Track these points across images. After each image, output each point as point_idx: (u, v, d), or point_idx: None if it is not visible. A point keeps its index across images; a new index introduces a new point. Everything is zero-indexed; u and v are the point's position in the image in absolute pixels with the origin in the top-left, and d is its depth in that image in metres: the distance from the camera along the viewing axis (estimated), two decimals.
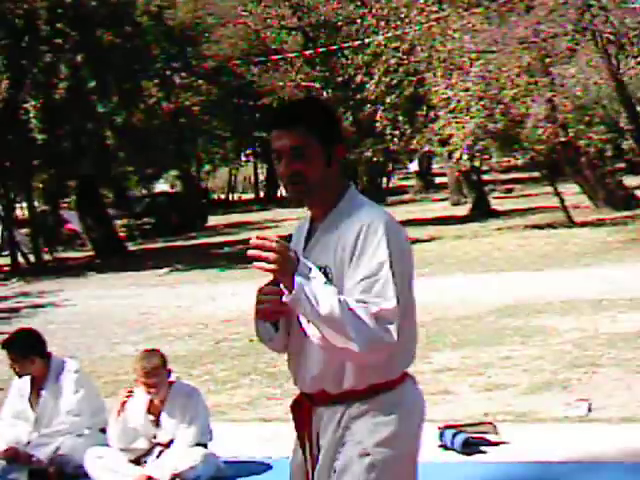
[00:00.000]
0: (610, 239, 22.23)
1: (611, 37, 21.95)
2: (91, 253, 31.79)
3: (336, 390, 3.62)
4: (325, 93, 38.86)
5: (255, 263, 3.36)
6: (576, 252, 20.82)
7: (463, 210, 37.21)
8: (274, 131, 3.69)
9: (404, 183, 64.35)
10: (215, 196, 64.52)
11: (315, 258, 3.58)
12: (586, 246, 21.56)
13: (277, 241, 3.36)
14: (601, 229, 24.41)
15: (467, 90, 24.55)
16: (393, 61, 29.32)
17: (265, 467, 7.20)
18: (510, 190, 46.62)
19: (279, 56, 38.11)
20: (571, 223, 26.19)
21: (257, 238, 3.35)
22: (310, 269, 3.43)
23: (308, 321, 3.43)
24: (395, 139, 32.04)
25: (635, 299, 13.87)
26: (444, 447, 7.20)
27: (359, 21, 30.83)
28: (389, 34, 29.20)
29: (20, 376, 7.50)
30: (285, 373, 10.86)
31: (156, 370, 6.86)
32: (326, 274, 3.51)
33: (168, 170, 49.27)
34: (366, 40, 31.23)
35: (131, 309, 17.95)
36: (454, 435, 7.13)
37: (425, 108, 30.83)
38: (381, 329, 3.39)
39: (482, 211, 34.41)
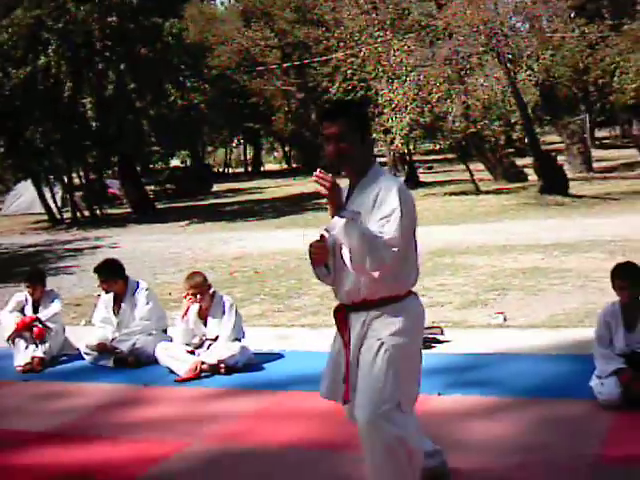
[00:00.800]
0: (507, 203, 22.27)
1: (509, 56, 22.03)
2: (129, 210, 31.62)
3: (358, 299, 3.86)
4: (299, 95, 38.75)
5: (317, 187, 3.64)
6: (484, 212, 20.91)
7: None
8: (324, 122, 3.88)
9: None
10: (215, 169, 63.87)
11: (352, 208, 3.76)
12: (491, 208, 21.63)
13: (334, 180, 3.61)
14: (500, 196, 24.40)
15: (404, 94, 24.57)
16: (349, 72, 29.27)
17: (280, 357, 7.34)
18: (431, 167, 46.63)
19: (263, 67, 37.88)
20: (478, 191, 26.20)
21: (320, 172, 3.63)
22: (351, 211, 3.68)
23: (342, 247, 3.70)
24: None
25: (529, 245, 14.08)
26: None
27: (325, 42, 30.63)
28: (347, 52, 29.15)
29: (107, 292, 7.65)
30: (285, 294, 11.14)
31: (200, 284, 7.01)
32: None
33: (182, 150, 49.01)
34: (330, 56, 31.14)
35: (164, 250, 17.88)
36: None
37: (372, 106, 30.87)
38: (387, 252, 3.64)
39: (413, 182, 34.36)
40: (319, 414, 5.62)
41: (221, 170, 65.54)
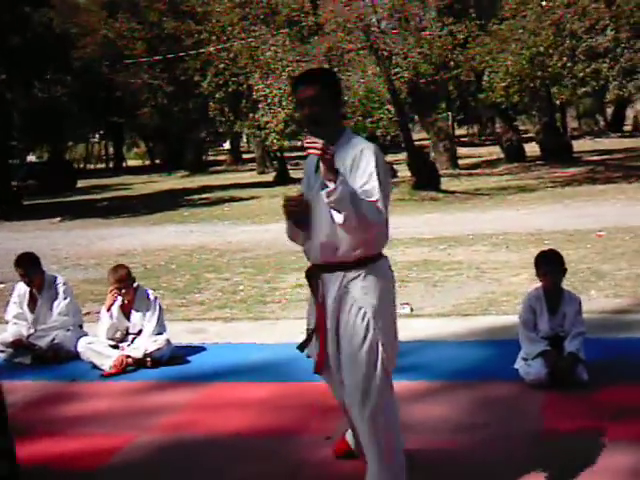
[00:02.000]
0: None
1: (385, 53, 22.55)
2: None
3: (333, 259, 3.95)
4: (168, 89, 38.36)
5: (310, 149, 3.69)
6: None
7: (268, 177, 37.49)
8: (300, 86, 4.00)
9: (218, 158, 63.99)
10: (75, 165, 62.42)
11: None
12: None
13: (325, 143, 3.67)
14: None
15: (280, 89, 24.79)
16: (221, 66, 29.20)
17: (202, 349, 7.36)
18: (298, 164, 47.10)
19: (131, 60, 37.27)
20: None
21: (308, 138, 3.72)
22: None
23: (334, 207, 3.73)
24: (222, 124, 32.04)
25: (413, 238, 14.52)
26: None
27: (196, 35, 30.46)
28: (219, 46, 29.10)
29: (29, 285, 7.46)
30: (184, 289, 11.15)
31: (124, 278, 6.97)
32: None
33: (42, 144, 47.68)
34: (201, 49, 31.01)
35: (43, 247, 17.19)
36: None
37: (245, 101, 30.98)
38: (379, 215, 3.80)
39: (284, 178, 34.80)
40: (258, 403, 5.77)
41: (82, 166, 64.11)
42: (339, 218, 3.74)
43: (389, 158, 33.22)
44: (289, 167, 38.50)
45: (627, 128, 54.53)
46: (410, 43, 21.81)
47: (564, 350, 5.76)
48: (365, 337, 3.92)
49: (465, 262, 11.65)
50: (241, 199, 27.32)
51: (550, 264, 5.89)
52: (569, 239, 12.91)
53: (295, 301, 9.62)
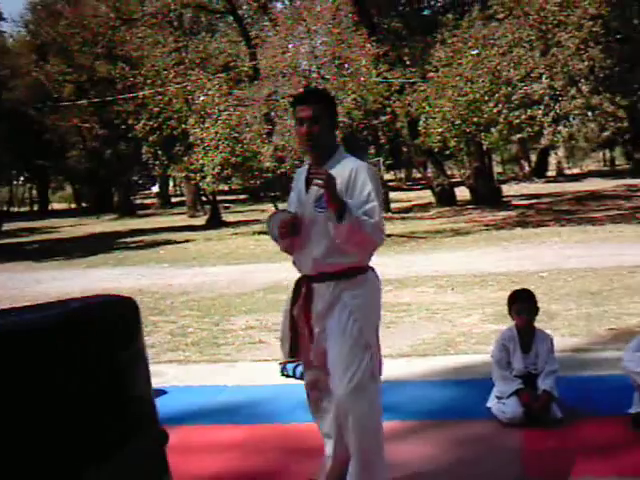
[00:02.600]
0: None
1: None
2: None
3: (326, 270, 4.13)
4: (100, 132, 38.00)
5: (316, 181, 3.92)
6: None
7: (200, 221, 37.26)
8: (299, 105, 4.14)
9: (146, 201, 63.48)
10: None
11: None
12: None
13: (329, 174, 3.89)
14: None
15: (217, 133, 24.81)
16: (156, 109, 29.16)
17: (164, 392, 7.13)
18: (228, 207, 47.07)
19: (64, 102, 36.88)
20: None
21: (314, 168, 4.00)
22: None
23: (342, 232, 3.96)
24: (156, 167, 31.84)
25: None
26: (286, 376, 7.46)
27: (131, 79, 30.29)
28: (153, 89, 29.05)
29: None
30: None
31: None
32: None
33: None
34: (134, 93, 30.86)
35: None
36: (295, 367, 7.41)
37: (180, 145, 30.86)
38: (379, 235, 4.05)
39: (216, 221, 34.64)
40: (234, 446, 5.65)
41: (5, 209, 62.88)
42: (343, 238, 3.97)
43: None
44: (221, 211, 38.40)
45: (550, 173, 55.91)
46: (350, 89, 22.03)
47: (538, 388, 5.79)
48: (356, 338, 4.10)
49: (413, 303, 11.70)
50: (176, 242, 27.09)
51: (524, 303, 5.94)
52: (513, 281, 13.08)
53: (248, 343, 9.54)
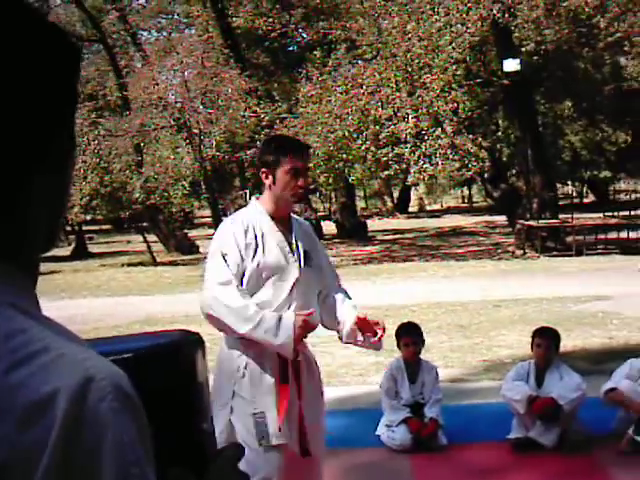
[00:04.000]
0: (191, 274, 22.60)
1: (197, 131, 22.88)
2: None
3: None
4: None
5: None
6: (171, 282, 21.24)
7: (64, 251, 36.43)
8: (296, 155, 4.01)
9: None
10: None
11: (304, 244, 4.09)
12: (177, 278, 22.05)
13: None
14: (179, 267, 25.00)
15: (85, 162, 24.49)
16: None
17: None
18: (91, 238, 46.23)
19: None
20: (155, 263, 26.62)
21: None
22: None
23: None
24: None
25: None
26: None
27: None
28: None
29: None
30: None
31: None
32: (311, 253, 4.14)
33: None
34: None
35: None
36: None
37: None
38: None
39: (82, 253, 34.02)
40: None
41: None
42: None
43: (193, 233, 33.49)
44: (87, 241, 37.78)
45: (412, 209, 57.58)
46: (222, 122, 22.28)
47: (425, 416, 6.15)
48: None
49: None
50: (41, 273, 26.34)
51: (411, 335, 6.31)
52: (386, 314, 13.50)
53: None
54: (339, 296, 4.23)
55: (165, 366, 1.31)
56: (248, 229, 3.97)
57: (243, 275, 3.92)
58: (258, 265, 3.93)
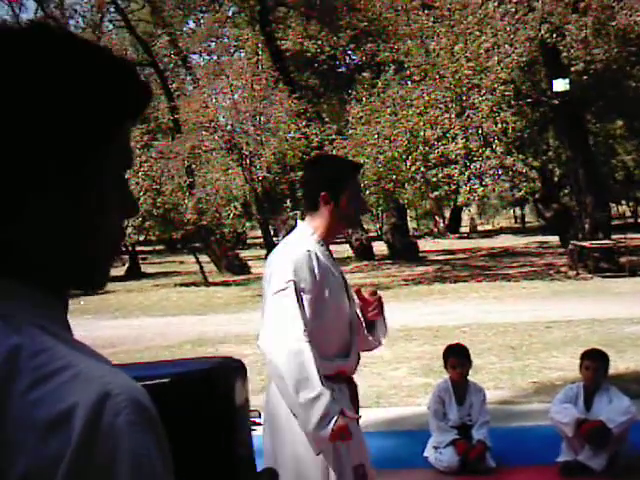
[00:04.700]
0: (243, 294, 22.88)
1: (247, 153, 23.11)
2: None
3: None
4: None
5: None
6: (223, 303, 21.42)
7: (118, 271, 36.91)
8: (359, 174, 3.83)
9: None
10: None
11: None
12: (229, 298, 22.24)
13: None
14: (231, 287, 25.20)
15: (137, 184, 24.88)
16: None
17: None
18: (145, 258, 46.80)
19: None
20: (208, 283, 26.86)
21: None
22: None
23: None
24: None
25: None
26: None
27: None
28: None
29: None
30: None
31: None
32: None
33: None
34: None
35: None
36: None
37: None
38: None
39: (136, 273, 34.43)
40: None
41: None
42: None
43: (245, 254, 33.75)
44: (140, 261, 38.21)
45: (464, 230, 57.31)
46: (272, 143, 22.50)
47: (473, 438, 6.13)
48: None
49: None
50: (96, 293, 26.87)
51: (458, 357, 6.30)
52: (436, 335, 13.51)
53: None
54: None
55: (201, 392, 1.34)
56: (318, 259, 3.53)
57: (314, 310, 3.51)
58: (325, 300, 3.55)
